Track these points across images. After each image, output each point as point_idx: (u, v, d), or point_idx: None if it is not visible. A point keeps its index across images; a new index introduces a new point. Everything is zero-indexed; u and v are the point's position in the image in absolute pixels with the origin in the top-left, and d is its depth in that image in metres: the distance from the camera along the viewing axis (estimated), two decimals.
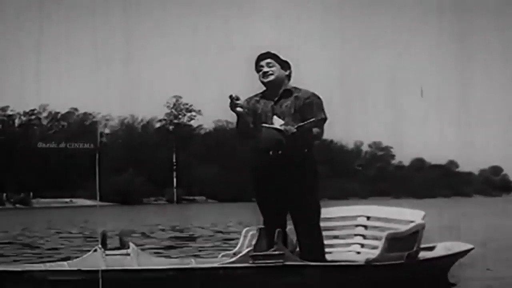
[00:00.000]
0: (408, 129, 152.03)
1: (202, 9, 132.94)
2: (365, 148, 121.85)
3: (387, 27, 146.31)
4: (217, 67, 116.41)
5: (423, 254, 6.48)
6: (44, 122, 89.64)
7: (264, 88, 5.95)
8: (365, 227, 6.69)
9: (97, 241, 5.66)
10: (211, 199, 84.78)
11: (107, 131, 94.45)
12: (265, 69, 5.86)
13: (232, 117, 5.92)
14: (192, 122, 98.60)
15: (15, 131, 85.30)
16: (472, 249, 6.89)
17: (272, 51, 5.90)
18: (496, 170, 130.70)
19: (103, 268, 5.23)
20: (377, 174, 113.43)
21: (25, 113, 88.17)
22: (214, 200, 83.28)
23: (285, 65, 5.93)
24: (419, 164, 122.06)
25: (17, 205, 68.79)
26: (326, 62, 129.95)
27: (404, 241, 6.06)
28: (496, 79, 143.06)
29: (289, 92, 5.87)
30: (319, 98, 5.85)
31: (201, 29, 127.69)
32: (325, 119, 5.79)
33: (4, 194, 71.05)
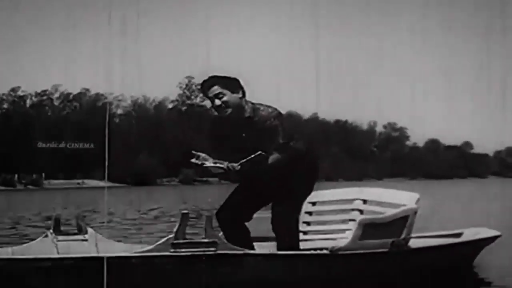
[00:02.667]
0: (422, 110, 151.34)
1: None
2: (379, 128, 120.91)
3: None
4: (230, 47, 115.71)
5: (448, 241, 5.89)
6: (56, 102, 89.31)
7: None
8: (361, 211, 5.99)
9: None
10: (225, 180, 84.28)
11: (119, 111, 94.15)
12: (217, 102, 5.24)
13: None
14: (204, 103, 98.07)
15: (27, 112, 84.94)
16: (498, 236, 6.14)
17: (215, 74, 5.30)
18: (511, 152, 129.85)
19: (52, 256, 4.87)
20: (392, 155, 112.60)
21: (36, 94, 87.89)
22: (228, 181, 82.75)
23: (234, 85, 5.27)
24: (434, 145, 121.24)
25: (29, 186, 68.66)
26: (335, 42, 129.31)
27: (388, 228, 5.35)
28: None
29: (249, 120, 5.27)
30: (276, 117, 5.21)
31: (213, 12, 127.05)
32: (282, 144, 5.20)
33: (16, 175, 70.98)
